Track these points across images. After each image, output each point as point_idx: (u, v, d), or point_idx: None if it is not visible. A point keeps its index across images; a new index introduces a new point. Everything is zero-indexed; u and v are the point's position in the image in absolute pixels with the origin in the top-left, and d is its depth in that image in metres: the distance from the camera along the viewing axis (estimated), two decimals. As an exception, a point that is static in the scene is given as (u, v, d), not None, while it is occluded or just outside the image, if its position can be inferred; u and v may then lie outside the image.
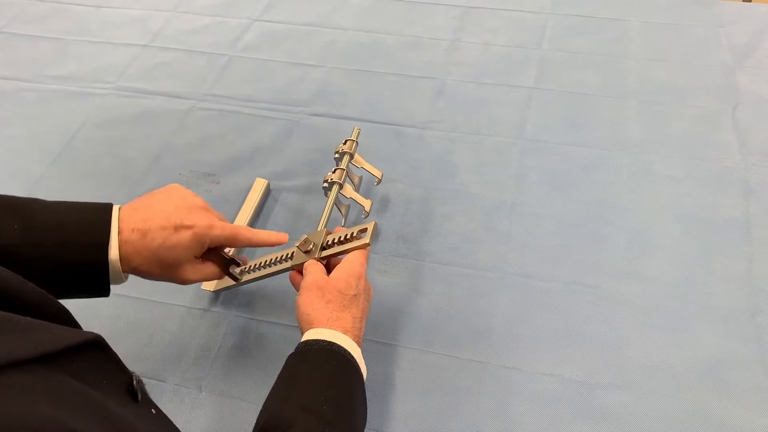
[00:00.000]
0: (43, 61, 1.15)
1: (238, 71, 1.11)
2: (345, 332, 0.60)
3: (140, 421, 0.44)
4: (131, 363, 0.54)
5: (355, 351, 0.60)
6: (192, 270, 0.63)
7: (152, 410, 0.50)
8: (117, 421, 0.40)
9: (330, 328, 0.60)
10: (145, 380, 0.69)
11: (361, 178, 0.85)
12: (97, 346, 0.45)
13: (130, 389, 0.47)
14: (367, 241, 0.66)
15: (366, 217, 0.80)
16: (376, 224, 0.69)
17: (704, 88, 1.02)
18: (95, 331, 0.48)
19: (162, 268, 0.61)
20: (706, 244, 0.81)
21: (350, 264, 0.65)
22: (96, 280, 0.59)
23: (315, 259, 0.67)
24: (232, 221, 0.86)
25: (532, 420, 0.67)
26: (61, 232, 0.57)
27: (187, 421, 0.68)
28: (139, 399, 0.47)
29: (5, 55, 1.18)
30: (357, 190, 0.82)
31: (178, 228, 0.60)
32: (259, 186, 0.89)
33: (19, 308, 0.42)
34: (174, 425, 0.52)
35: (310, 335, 0.60)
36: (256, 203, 0.87)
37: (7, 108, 1.07)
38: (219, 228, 0.62)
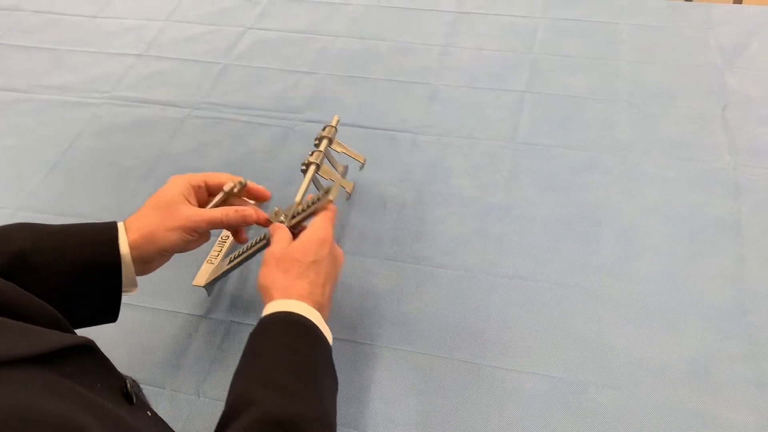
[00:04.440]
0: (39, 72, 1.16)
1: (232, 79, 1.12)
2: (301, 299, 0.60)
3: (137, 422, 0.45)
4: (129, 369, 0.55)
5: (314, 316, 0.60)
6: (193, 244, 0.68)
7: (148, 412, 0.51)
8: (116, 419, 0.41)
9: (285, 298, 0.60)
10: (143, 386, 0.70)
11: (346, 167, 0.86)
12: (89, 350, 0.46)
13: (125, 393, 0.48)
14: (330, 198, 0.66)
15: (348, 199, 0.81)
16: (339, 184, 0.69)
17: (694, 90, 1.03)
18: (93, 338, 0.49)
19: (170, 253, 0.67)
20: (695, 243, 0.82)
21: (312, 230, 0.65)
22: (109, 282, 0.62)
23: (286, 227, 0.68)
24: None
25: (523, 419, 0.68)
26: (72, 236, 0.61)
27: (185, 427, 0.69)
28: (134, 402, 0.48)
29: (1, 66, 1.19)
30: (343, 177, 0.83)
31: (169, 230, 0.64)
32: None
33: (14, 315, 0.43)
34: (171, 429, 0.53)
35: (267, 310, 0.60)
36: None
37: (3, 118, 1.08)
38: (197, 220, 0.66)
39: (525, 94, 1.04)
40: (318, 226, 0.65)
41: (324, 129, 0.82)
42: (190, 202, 0.66)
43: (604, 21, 1.17)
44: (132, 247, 0.62)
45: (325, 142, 0.81)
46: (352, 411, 0.69)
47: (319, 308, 0.61)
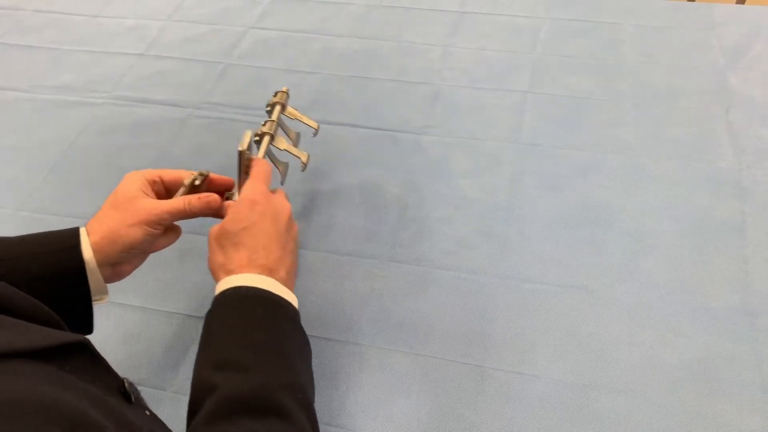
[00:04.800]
0: (40, 72, 1.16)
1: (234, 79, 1.12)
2: (241, 269, 0.58)
3: (138, 420, 0.44)
4: (130, 371, 0.54)
5: (263, 282, 0.57)
6: (163, 241, 0.66)
7: (146, 412, 0.51)
8: (119, 414, 0.41)
9: (228, 275, 0.58)
10: (143, 388, 0.70)
11: (298, 134, 0.84)
12: (85, 348, 0.46)
13: (123, 392, 0.48)
14: (241, 149, 0.64)
15: (303, 170, 0.80)
16: (251, 133, 0.68)
17: (697, 90, 1.03)
18: (94, 340, 0.48)
19: (140, 255, 0.65)
20: (700, 245, 0.82)
21: (241, 197, 0.63)
22: (76, 289, 0.59)
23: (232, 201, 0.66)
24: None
25: (529, 423, 0.67)
26: (32, 245, 0.58)
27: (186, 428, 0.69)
28: (133, 401, 0.48)
29: (1, 66, 1.18)
30: (295, 145, 0.81)
31: (131, 226, 0.61)
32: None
33: (10, 313, 0.42)
34: (169, 429, 0.53)
35: (215, 292, 0.59)
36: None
37: (3, 118, 1.08)
38: (158, 212, 0.63)
39: (527, 94, 1.04)
40: (245, 190, 0.64)
41: (275, 95, 0.79)
42: (148, 196, 0.64)
43: (606, 21, 1.17)
44: (95, 250, 0.59)
45: (278, 108, 0.77)
46: (353, 413, 0.68)
47: (268, 272, 0.58)
